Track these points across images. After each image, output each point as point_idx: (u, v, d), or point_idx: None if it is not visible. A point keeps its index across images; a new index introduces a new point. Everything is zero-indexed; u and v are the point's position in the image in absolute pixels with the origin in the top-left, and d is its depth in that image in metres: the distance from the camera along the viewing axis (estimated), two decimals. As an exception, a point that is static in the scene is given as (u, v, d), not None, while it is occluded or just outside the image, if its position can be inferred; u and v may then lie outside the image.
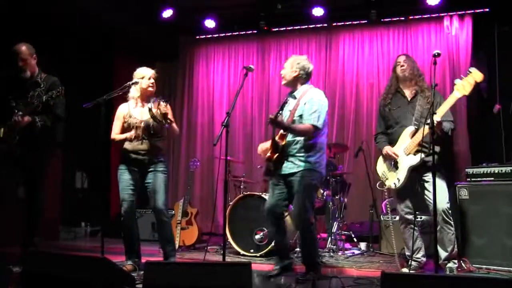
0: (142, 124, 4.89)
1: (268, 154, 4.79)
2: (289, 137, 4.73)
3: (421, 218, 6.06)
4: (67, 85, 5.01)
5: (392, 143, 4.90)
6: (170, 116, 4.85)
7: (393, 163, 4.84)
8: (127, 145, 4.94)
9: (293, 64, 4.84)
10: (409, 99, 4.91)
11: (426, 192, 4.67)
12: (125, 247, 5.01)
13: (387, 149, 4.87)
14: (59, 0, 6.59)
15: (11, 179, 5.19)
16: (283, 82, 4.92)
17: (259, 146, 5.10)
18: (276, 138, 4.79)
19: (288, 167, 4.71)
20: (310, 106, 4.66)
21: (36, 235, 4.99)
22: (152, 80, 4.99)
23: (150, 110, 4.77)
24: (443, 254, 4.69)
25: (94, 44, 8.08)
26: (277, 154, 4.73)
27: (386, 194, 5.18)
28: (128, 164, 4.95)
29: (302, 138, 4.70)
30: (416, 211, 4.92)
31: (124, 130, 4.97)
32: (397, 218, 6.33)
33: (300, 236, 4.90)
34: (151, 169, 4.94)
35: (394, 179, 4.79)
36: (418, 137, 4.58)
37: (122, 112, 5.00)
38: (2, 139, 4.89)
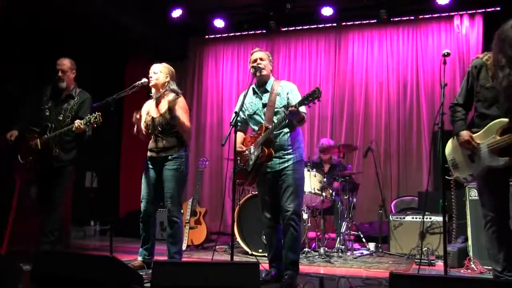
0: (151, 121, 4.87)
1: (266, 150, 4.24)
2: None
3: (430, 218, 6.06)
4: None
5: (475, 127, 3.82)
6: (176, 108, 4.76)
7: (468, 154, 3.84)
8: (149, 144, 4.97)
9: (268, 57, 4.51)
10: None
11: None
12: (141, 242, 4.96)
13: (466, 136, 3.77)
14: (73, 1, 6.63)
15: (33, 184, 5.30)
16: (264, 73, 4.41)
17: (238, 140, 4.50)
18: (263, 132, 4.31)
19: (277, 163, 4.33)
20: (296, 95, 4.35)
21: (55, 234, 5.05)
22: (150, 75, 4.94)
23: (169, 102, 4.80)
24: None
25: (107, 45, 8.11)
26: (271, 149, 4.24)
27: (453, 184, 4.38)
28: (148, 163, 4.96)
29: (287, 130, 4.34)
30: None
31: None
32: (406, 218, 6.35)
33: (286, 232, 4.26)
34: (164, 167, 4.84)
35: (466, 174, 3.88)
36: None
37: (144, 108, 5.04)
38: (40, 151, 5.05)
